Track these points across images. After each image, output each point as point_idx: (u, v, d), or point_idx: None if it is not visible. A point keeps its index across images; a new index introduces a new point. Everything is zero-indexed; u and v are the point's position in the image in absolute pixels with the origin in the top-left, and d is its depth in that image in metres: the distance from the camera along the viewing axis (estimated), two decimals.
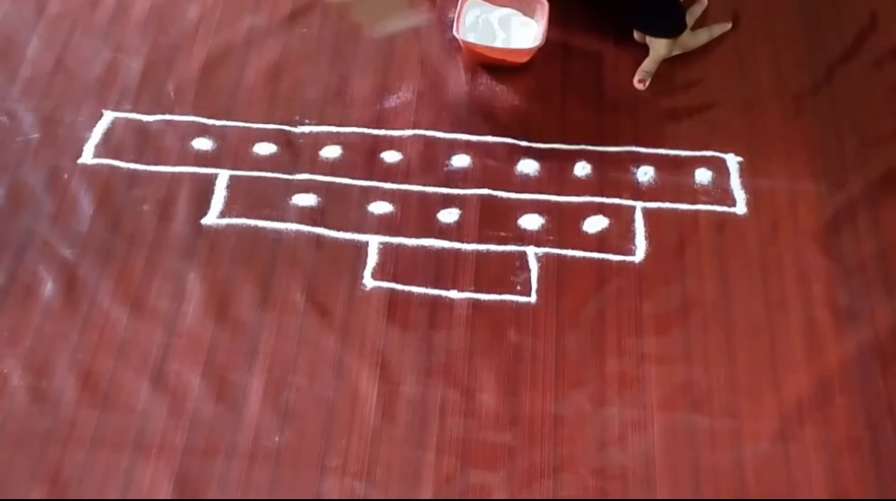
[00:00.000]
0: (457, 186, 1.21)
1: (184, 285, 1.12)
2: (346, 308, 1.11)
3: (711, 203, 1.20)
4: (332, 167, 1.23)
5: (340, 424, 1.03)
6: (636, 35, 1.34)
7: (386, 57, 1.35)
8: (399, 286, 1.13)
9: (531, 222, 1.18)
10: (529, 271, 1.14)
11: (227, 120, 1.27)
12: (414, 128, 1.27)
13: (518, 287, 1.12)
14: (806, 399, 1.04)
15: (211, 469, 1.00)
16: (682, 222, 1.18)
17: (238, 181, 1.22)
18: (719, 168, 1.23)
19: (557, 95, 1.31)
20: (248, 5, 1.40)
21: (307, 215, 1.18)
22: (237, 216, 1.18)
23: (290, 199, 1.20)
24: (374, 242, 1.16)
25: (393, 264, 1.14)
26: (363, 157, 1.24)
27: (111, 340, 1.08)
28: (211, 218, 1.18)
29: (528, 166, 1.23)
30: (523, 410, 1.04)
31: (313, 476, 0.99)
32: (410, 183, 1.21)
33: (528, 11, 1.35)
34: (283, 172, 1.22)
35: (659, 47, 1.31)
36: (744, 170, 1.23)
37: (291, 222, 1.18)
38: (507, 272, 1.14)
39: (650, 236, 1.17)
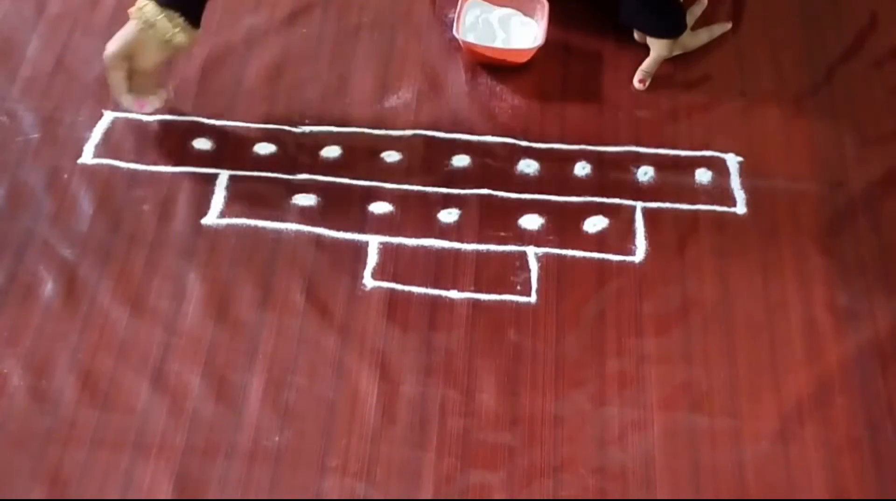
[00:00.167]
0: (457, 187, 1.21)
1: (184, 285, 1.12)
2: (346, 308, 1.11)
3: (711, 203, 1.20)
4: (332, 167, 1.23)
5: (340, 424, 1.03)
6: (636, 35, 1.34)
7: (386, 57, 1.35)
8: (399, 286, 1.13)
9: (531, 222, 1.18)
10: (529, 271, 1.14)
11: (227, 120, 1.27)
12: (414, 128, 1.27)
13: (518, 287, 1.12)
14: (806, 399, 1.04)
15: (211, 469, 1.00)
16: (682, 222, 1.18)
17: (238, 181, 1.22)
18: (719, 168, 1.23)
19: (557, 95, 1.31)
20: (248, 5, 1.40)
21: (307, 215, 1.18)
22: (237, 216, 1.18)
23: (290, 199, 1.20)
24: (374, 242, 1.16)
25: (393, 264, 1.14)
26: (363, 157, 1.24)
27: (111, 340, 1.08)
28: (211, 218, 1.18)
29: (528, 166, 1.23)
30: (523, 410, 1.04)
31: (313, 476, 0.99)
32: (410, 183, 1.21)
33: (528, 11, 1.35)
34: (283, 172, 1.22)
35: (659, 47, 1.31)
36: (744, 170, 1.23)
37: (291, 222, 1.18)
38: (507, 272, 1.14)
39: (650, 236, 1.17)
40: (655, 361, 1.07)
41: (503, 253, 1.15)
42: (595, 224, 1.18)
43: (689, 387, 1.05)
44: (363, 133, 1.27)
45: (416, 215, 1.19)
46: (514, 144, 1.25)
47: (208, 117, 1.28)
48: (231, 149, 1.25)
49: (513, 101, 1.30)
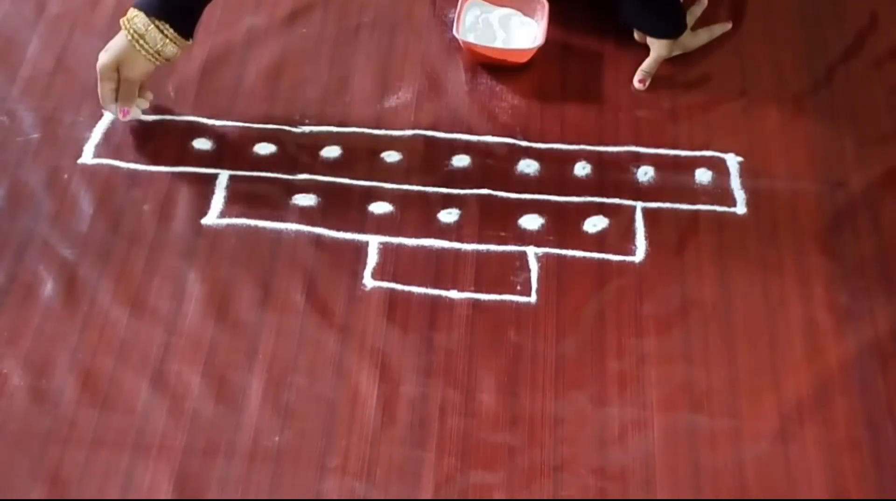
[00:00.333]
0: (457, 187, 1.21)
1: (184, 285, 1.12)
2: (346, 308, 1.11)
3: (711, 203, 1.20)
4: (332, 167, 1.23)
5: (340, 424, 1.03)
6: (636, 35, 1.34)
7: (386, 57, 1.35)
8: (399, 286, 1.13)
9: (531, 222, 1.18)
10: (529, 271, 1.14)
11: (227, 120, 1.27)
12: (414, 128, 1.27)
13: (518, 287, 1.12)
14: (806, 399, 1.04)
15: (211, 469, 1.00)
16: (682, 222, 1.18)
17: (238, 181, 1.22)
18: (719, 168, 1.23)
19: (557, 95, 1.31)
20: (248, 5, 1.40)
21: (307, 215, 1.18)
22: (237, 216, 1.18)
23: (290, 199, 1.20)
24: (374, 242, 1.16)
25: (393, 264, 1.14)
26: (363, 157, 1.24)
27: (111, 340, 1.08)
28: (211, 218, 1.18)
29: (528, 166, 1.23)
30: (523, 410, 1.04)
31: (313, 476, 0.99)
32: (410, 183, 1.21)
33: (528, 11, 1.35)
34: (283, 173, 1.22)
35: (659, 48, 1.31)
36: (744, 170, 1.23)
37: (291, 222, 1.18)
38: (507, 272, 1.14)
39: (650, 236, 1.17)
40: (655, 361, 1.07)
41: (503, 253, 1.15)
42: (595, 224, 1.18)
43: (689, 387, 1.05)
44: (363, 133, 1.27)
45: (416, 215, 1.19)
46: (513, 144, 1.25)
47: (208, 117, 1.28)
48: (231, 149, 1.25)
49: (513, 101, 1.30)
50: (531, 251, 1.15)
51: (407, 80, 1.32)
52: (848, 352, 1.08)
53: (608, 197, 1.20)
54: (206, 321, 1.09)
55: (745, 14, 1.40)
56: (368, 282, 1.13)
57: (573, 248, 1.16)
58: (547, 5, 1.33)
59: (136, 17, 1.16)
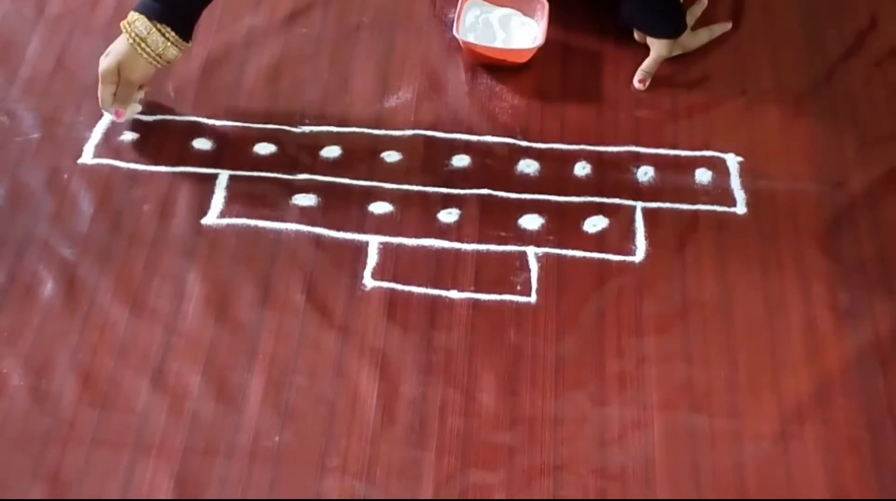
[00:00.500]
0: (457, 187, 1.21)
1: (184, 285, 1.12)
2: (346, 308, 1.11)
3: (711, 203, 1.20)
4: (332, 167, 1.23)
5: (340, 424, 1.03)
6: (636, 35, 1.34)
7: (386, 57, 1.35)
8: (399, 286, 1.13)
9: (531, 222, 1.18)
10: (529, 271, 1.14)
11: (227, 120, 1.28)
12: (414, 128, 1.27)
13: (518, 287, 1.12)
14: (806, 399, 1.04)
15: (211, 469, 1.00)
16: (682, 222, 1.18)
17: (238, 181, 1.22)
18: (719, 168, 1.23)
19: (557, 95, 1.31)
20: (248, 5, 1.40)
21: (307, 215, 1.18)
22: (237, 216, 1.18)
23: (290, 199, 1.20)
24: (374, 242, 1.16)
25: (393, 264, 1.14)
26: (363, 157, 1.24)
27: (111, 340, 1.08)
28: (211, 218, 1.18)
29: (528, 166, 1.23)
30: (523, 410, 1.04)
31: (313, 476, 0.99)
32: (410, 183, 1.21)
33: (528, 11, 1.35)
34: (283, 172, 1.22)
35: (659, 47, 1.31)
36: (744, 170, 1.23)
37: (291, 222, 1.18)
38: (507, 272, 1.14)
39: (650, 236, 1.17)
40: (655, 361, 1.07)
41: (503, 253, 1.15)
42: (595, 224, 1.18)
43: (689, 387, 1.05)
44: (363, 133, 1.27)
45: (416, 215, 1.19)
46: (513, 144, 1.25)
47: (208, 117, 1.28)
48: (231, 149, 1.25)
49: (513, 101, 1.30)
50: (531, 251, 1.15)
51: (407, 80, 1.32)
52: (848, 352, 1.08)
53: (608, 197, 1.20)
54: (206, 321, 1.09)
55: (745, 14, 1.40)
56: (368, 282, 1.13)
57: (573, 248, 1.16)
58: (547, 5, 1.33)
59: (137, 21, 1.16)
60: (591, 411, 1.04)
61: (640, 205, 1.19)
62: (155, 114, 1.27)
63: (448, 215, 1.18)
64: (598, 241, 1.16)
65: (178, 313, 1.10)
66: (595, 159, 1.24)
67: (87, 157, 1.23)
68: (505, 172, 1.22)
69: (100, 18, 1.38)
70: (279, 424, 1.03)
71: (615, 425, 1.03)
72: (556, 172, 1.23)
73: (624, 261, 1.15)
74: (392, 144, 1.25)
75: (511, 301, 1.12)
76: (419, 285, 1.13)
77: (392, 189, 1.21)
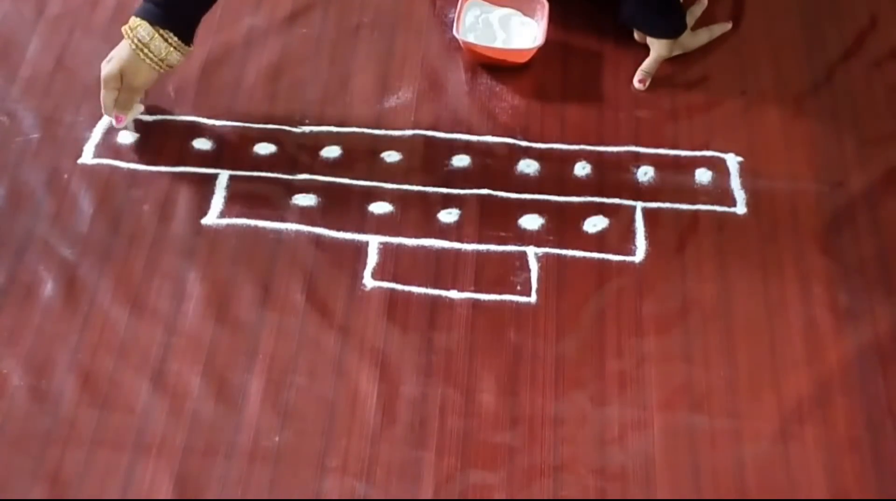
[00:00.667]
0: (457, 187, 1.21)
1: (184, 284, 1.12)
2: (346, 308, 1.11)
3: (711, 203, 1.20)
4: (332, 167, 1.23)
5: (340, 424, 1.03)
6: (636, 35, 1.34)
7: (386, 57, 1.35)
8: (399, 286, 1.13)
9: (531, 222, 1.18)
10: (529, 271, 1.14)
11: (227, 120, 1.27)
12: (414, 128, 1.27)
13: (518, 287, 1.12)
14: (806, 399, 1.04)
15: (211, 469, 1.00)
16: (682, 222, 1.18)
17: (238, 181, 1.22)
18: (719, 168, 1.23)
19: (557, 95, 1.31)
20: (248, 5, 1.40)
21: (307, 215, 1.18)
22: (237, 216, 1.18)
23: (290, 199, 1.20)
24: (374, 242, 1.16)
25: (393, 264, 1.14)
26: (363, 157, 1.24)
27: (111, 340, 1.08)
28: (211, 218, 1.18)
29: (528, 166, 1.23)
30: (523, 410, 1.04)
31: (313, 476, 0.99)
32: (410, 183, 1.21)
33: (528, 11, 1.35)
34: (283, 173, 1.22)
35: (659, 48, 1.31)
36: (744, 170, 1.23)
37: (291, 222, 1.18)
38: (507, 272, 1.14)
39: (650, 236, 1.17)
40: (655, 361, 1.07)
41: (503, 253, 1.15)
42: (595, 224, 1.18)
43: (689, 387, 1.05)
44: (363, 133, 1.27)
45: (416, 215, 1.19)
46: (514, 144, 1.25)
47: (208, 117, 1.28)
48: (231, 149, 1.25)
49: (513, 101, 1.30)
50: (531, 251, 1.15)
51: (407, 80, 1.32)
52: (848, 352, 1.08)
53: (608, 197, 1.20)
54: (206, 321, 1.09)
55: (745, 14, 1.40)
56: (368, 282, 1.13)
57: (573, 248, 1.16)
58: (547, 5, 1.33)
59: (139, 27, 1.16)
60: (591, 411, 1.04)
61: (640, 205, 1.19)
62: (155, 114, 1.27)
63: (448, 215, 1.18)
64: (598, 241, 1.16)
65: (178, 313, 1.10)
66: (595, 159, 1.24)
67: (87, 157, 1.23)
68: (505, 172, 1.23)
69: (100, 18, 1.38)
70: (279, 424, 1.03)
71: (615, 425, 1.03)
72: (556, 172, 1.23)
73: (624, 261, 1.15)
74: (392, 144, 1.25)
75: (511, 301, 1.12)
76: (419, 285, 1.13)
77: (392, 189, 1.21)
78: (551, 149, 1.25)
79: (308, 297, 1.11)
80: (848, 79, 1.32)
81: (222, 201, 1.20)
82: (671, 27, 1.31)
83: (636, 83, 1.31)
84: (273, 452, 1.01)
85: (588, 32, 1.37)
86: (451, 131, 1.26)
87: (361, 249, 1.16)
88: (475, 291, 1.12)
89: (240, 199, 1.20)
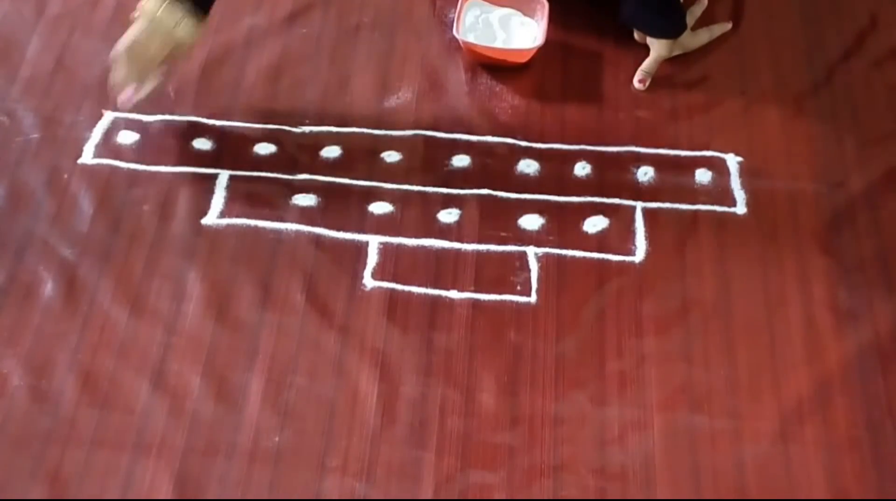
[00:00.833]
0: (457, 187, 1.21)
1: (184, 285, 1.12)
2: (346, 308, 1.11)
3: (711, 203, 1.20)
4: (332, 167, 1.23)
5: (340, 424, 1.03)
6: (636, 35, 1.34)
7: (386, 57, 1.35)
8: (399, 286, 1.13)
9: (531, 222, 1.18)
10: (529, 271, 1.14)
11: (227, 120, 1.28)
12: (414, 128, 1.27)
13: (518, 287, 1.12)
14: (806, 399, 1.04)
15: (211, 469, 1.00)
16: (682, 222, 1.18)
17: (238, 181, 1.22)
18: (719, 168, 1.23)
19: (557, 95, 1.31)
20: (248, 5, 1.40)
21: (307, 215, 1.18)
22: (237, 216, 1.18)
23: (290, 199, 1.20)
24: (374, 242, 1.16)
25: (393, 264, 1.14)
26: (363, 157, 1.24)
27: (111, 340, 1.08)
28: (211, 218, 1.18)
29: (528, 166, 1.23)
30: (523, 410, 1.04)
31: (313, 476, 0.99)
32: (410, 183, 1.21)
33: (528, 11, 1.35)
34: (283, 172, 1.22)
35: (659, 48, 1.31)
36: (744, 170, 1.23)
37: (291, 222, 1.18)
38: (507, 272, 1.14)
39: (650, 236, 1.17)
40: (655, 361, 1.07)
41: (503, 253, 1.15)
42: (595, 224, 1.18)
43: (689, 387, 1.05)
44: (363, 133, 1.27)
45: (416, 215, 1.19)
46: (514, 144, 1.25)
47: (208, 117, 1.28)
48: (231, 149, 1.25)
49: (513, 101, 1.30)
50: (531, 251, 1.15)
51: (407, 80, 1.32)
52: (848, 352, 1.08)
53: (608, 197, 1.20)
54: (206, 321, 1.10)
55: (745, 14, 1.40)
56: (368, 282, 1.13)
57: (573, 248, 1.16)
58: (547, 5, 1.33)
59: (148, 3, 1.14)
60: (591, 411, 1.04)
61: (640, 205, 1.19)
62: (155, 114, 1.27)
63: (448, 215, 1.18)
64: (598, 241, 1.16)
65: (178, 313, 1.10)
66: (595, 159, 1.24)
67: (87, 157, 1.23)
68: (505, 173, 1.23)
69: (100, 18, 1.38)
70: (279, 424, 1.03)
71: (615, 425, 1.03)
72: (556, 172, 1.23)
73: (624, 261, 1.15)
74: (392, 144, 1.25)
75: (511, 301, 1.12)
76: (419, 285, 1.13)
77: (392, 189, 1.21)
78: (551, 149, 1.25)
79: (308, 297, 1.11)
80: (848, 79, 1.32)
81: (222, 200, 1.20)
82: (671, 27, 1.31)
83: (636, 83, 1.31)
84: (273, 452, 1.01)
85: (588, 32, 1.37)
86: (451, 131, 1.27)
87: (361, 249, 1.16)
88: (475, 291, 1.12)
89: (240, 199, 1.20)
